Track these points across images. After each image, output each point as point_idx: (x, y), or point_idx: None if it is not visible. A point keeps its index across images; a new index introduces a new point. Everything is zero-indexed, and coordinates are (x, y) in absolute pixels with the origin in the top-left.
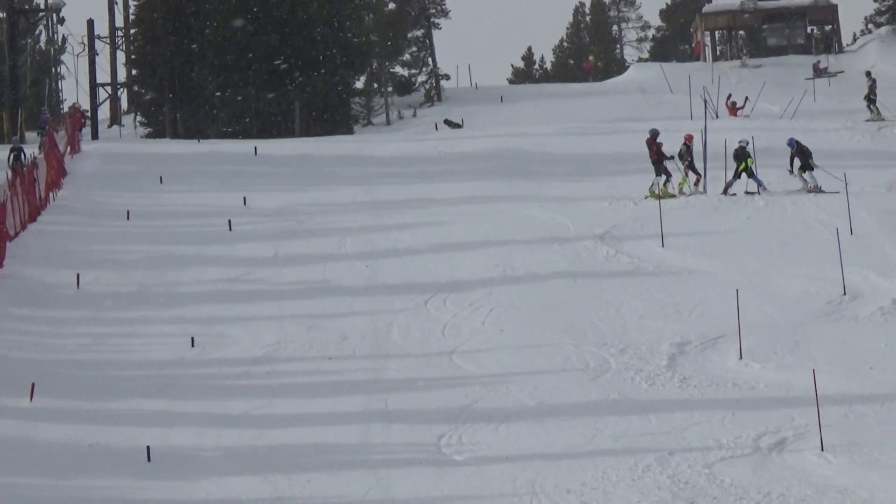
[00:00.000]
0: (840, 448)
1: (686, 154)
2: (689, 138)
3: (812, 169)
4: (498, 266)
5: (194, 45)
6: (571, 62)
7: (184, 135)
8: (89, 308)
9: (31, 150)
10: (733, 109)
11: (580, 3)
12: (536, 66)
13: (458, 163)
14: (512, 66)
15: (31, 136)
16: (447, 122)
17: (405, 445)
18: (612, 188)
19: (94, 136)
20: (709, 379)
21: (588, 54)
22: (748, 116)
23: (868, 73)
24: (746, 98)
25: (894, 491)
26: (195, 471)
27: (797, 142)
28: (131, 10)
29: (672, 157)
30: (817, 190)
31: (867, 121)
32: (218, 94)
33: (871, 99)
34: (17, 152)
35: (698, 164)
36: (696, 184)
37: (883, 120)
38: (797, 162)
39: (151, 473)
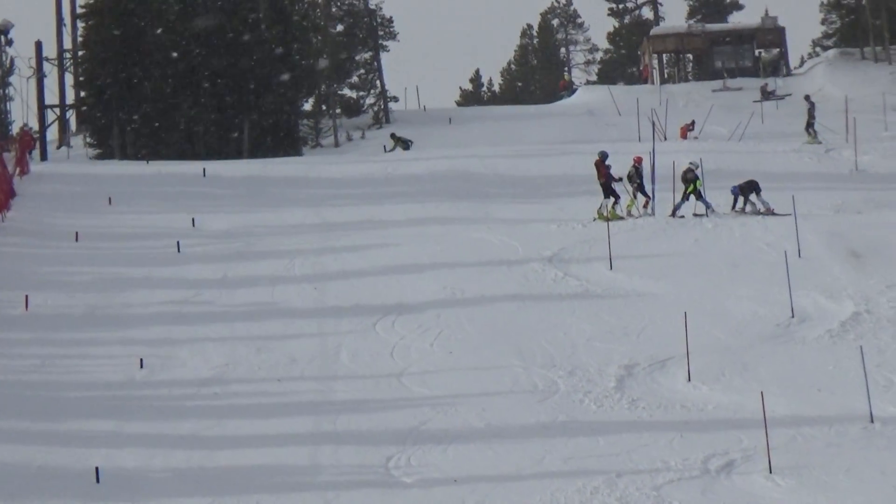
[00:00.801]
0: (788, 470)
1: (635, 176)
2: (637, 160)
3: (759, 194)
4: (446, 288)
5: (137, 68)
6: (519, 84)
7: (132, 156)
8: (38, 329)
9: None
10: (684, 131)
11: (528, 25)
12: (484, 89)
13: (407, 184)
14: (460, 88)
15: None
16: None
17: (354, 467)
18: (561, 210)
19: (43, 157)
20: (657, 401)
21: (532, 76)
22: (697, 138)
23: (807, 97)
24: (693, 121)
25: None
26: (144, 492)
27: (739, 187)
28: (79, 33)
29: (620, 179)
30: (770, 213)
31: (805, 143)
32: (166, 115)
33: (809, 123)
34: None
35: (647, 186)
36: (645, 206)
37: (819, 143)
38: (740, 197)
39: (100, 495)
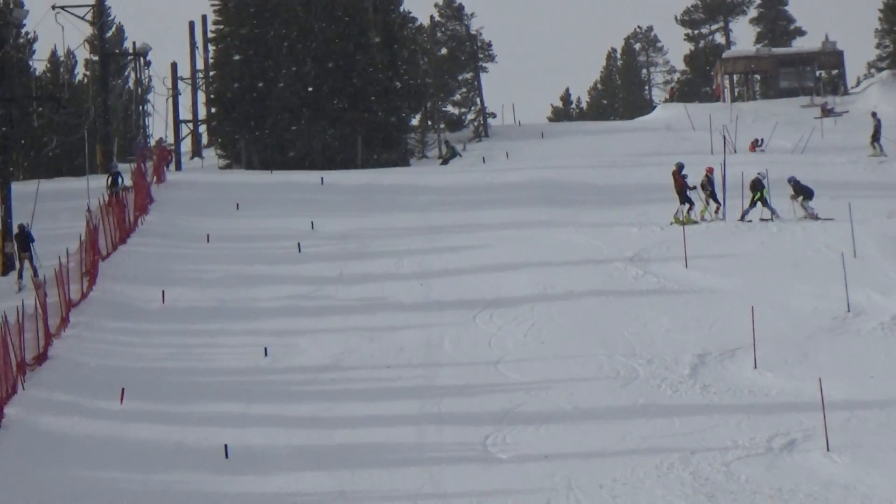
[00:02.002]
0: (844, 449)
1: (707, 185)
2: (709, 171)
3: (811, 199)
4: (538, 285)
5: (260, 84)
6: (605, 102)
7: (257, 166)
8: (173, 321)
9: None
10: (753, 146)
11: (612, 48)
12: (573, 106)
13: (503, 192)
14: (551, 105)
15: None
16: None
17: (455, 445)
18: (641, 215)
19: (178, 167)
20: (726, 386)
21: (616, 95)
22: (763, 151)
23: (874, 114)
24: (762, 138)
25: (891, 488)
26: (269, 467)
27: (796, 179)
28: (210, 55)
29: (695, 188)
30: (815, 217)
31: (870, 156)
32: (287, 129)
33: (875, 137)
34: (114, 176)
35: (718, 194)
36: (716, 211)
37: (885, 156)
38: (798, 199)
39: (229, 469)
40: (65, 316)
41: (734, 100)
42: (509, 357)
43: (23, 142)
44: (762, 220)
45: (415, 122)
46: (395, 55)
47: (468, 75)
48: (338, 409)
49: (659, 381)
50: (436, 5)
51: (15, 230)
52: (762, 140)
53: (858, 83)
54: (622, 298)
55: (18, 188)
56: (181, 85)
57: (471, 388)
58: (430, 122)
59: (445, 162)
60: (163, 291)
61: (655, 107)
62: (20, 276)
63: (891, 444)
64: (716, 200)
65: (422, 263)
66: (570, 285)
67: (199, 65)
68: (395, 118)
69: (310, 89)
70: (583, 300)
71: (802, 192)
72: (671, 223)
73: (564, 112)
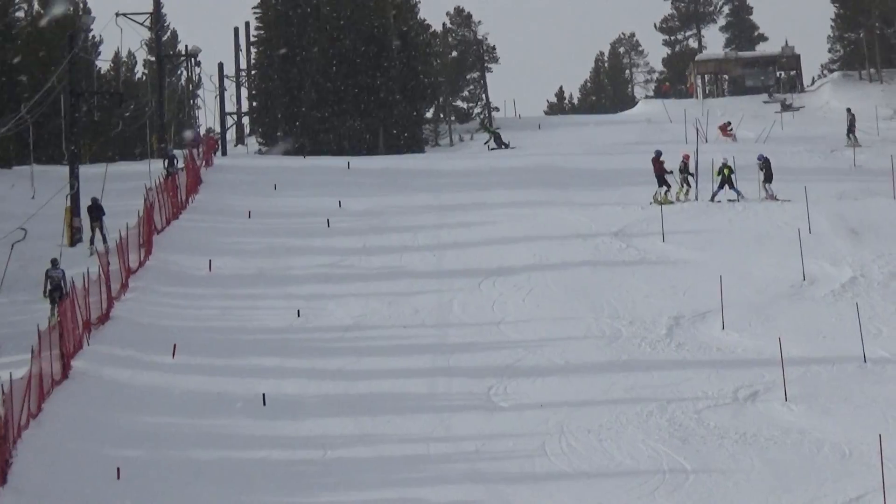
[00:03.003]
0: (800, 399)
1: (683, 169)
2: (686, 157)
3: (770, 182)
4: (536, 256)
5: (296, 82)
6: (593, 98)
7: (292, 153)
8: (218, 287)
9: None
10: (724, 129)
11: (600, 52)
12: (566, 101)
13: (506, 175)
14: (547, 100)
15: (176, 152)
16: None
17: (462, 394)
18: (625, 196)
19: (224, 153)
20: (698, 345)
21: (603, 91)
22: (732, 131)
23: (848, 110)
24: (729, 122)
25: (841, 433)
26: (301, 413)
27: (767, 158)
28: (253, 56)
29: (671, 172)
30: (775, 198)
31: (846, 146)
32: (323, 120)
33: (850, 130)
34: (171, 158)
35: (691, 178)
36: (686, 194)
37: (860, 146)
38: (761, 175)
39: (267, 415)
40: (125, 282)
41: (706, 96)
42: (510, 319)
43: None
44: (729, 200)
45: (429, 115)
46: (413, 57)
47: (475, 75)
48: (360, 364)
49: (639, 340)
50: (447, 14)
51: (88, 203)
52: (730, 123)
53: (813, 82)
54: (608, 268)
55: (86, 170)
56: (227, 82)
57: (476, 345)
58: (441, 115)
59: (498, 144)
60: (210, 261)
61: (637, 102)
62: (92, 242)
63: (840, 395)
64: (689, 184)
65: (434, 237)
66: (562, 257)
67: (243, 64)
68: (412, 111)
69: (339, 87)
70: (574, 270)
71: (768, 170)
72: (650, 203)
73: (559, 106)
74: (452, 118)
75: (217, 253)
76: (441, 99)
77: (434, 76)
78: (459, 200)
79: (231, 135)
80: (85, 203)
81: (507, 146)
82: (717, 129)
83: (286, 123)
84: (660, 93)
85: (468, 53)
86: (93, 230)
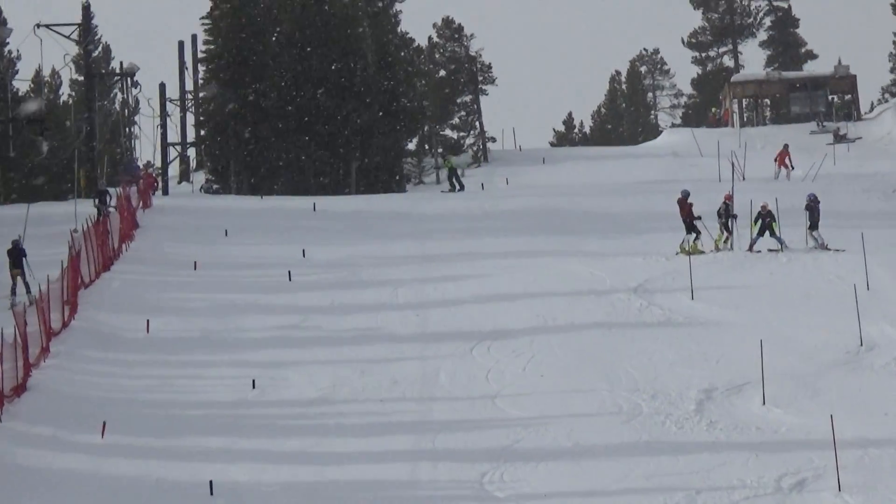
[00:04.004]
0: (856, 489)
1: (723, 212)
2: (728, 198)
3: (817, 228)
4: (539, 316)
5: (253, 108)
6: (608, 126)
7: (247, 191)
8: (158, 352)
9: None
10: (784, 158)
11: (617, 71)
12: (576, 130)
13: (503, 219)
14: (553, 129)
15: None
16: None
17: (451, 482)
18: (646, 244)
19: (165, 192)
20: (734, 423)
21: (620, 119)
22: (789, 166)
23: None
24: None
25: None
26: None
27: (816, 198)
28: (200, 76)
29: (699, 217)
30: (825, 248)
31: None
32: (280, 153)
33: None
34: (102, 195)
35: (729, 223)
36: (726, 241)
37: None
38: (810, 219)
39: None
40: (45, 345)
41: (743, 125)
42: (507, 391)
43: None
44: (770, 250)
45: (411, 146)
46: (393, 78)
47: (467, 98)
48: (328, 445)
49: (663, 417)
50: (434, 26)
51: (8, 246)
52: (787, 145)
53: (872, 108)
54: (625, 331)
55: (3, 212)
56: (170, 107)
57: (467, 423)
58: (427, 147)
59: (453, 188)
60: (147, 321)
61: (661, 132)
62: (13, 292)
63: None
64: (728, 230)
65: (417, 293)
66: (571, 317)
67: (189, 86)
68: (391, 142)
69: (304, 112)
70: (584, 332)
71: (815, 212)
72: (677, 253)
73: (567, 137)
74: (440, 150)
75: (156, 311)
76: (426, 128)
77: (418, 100)
78: (448, 249)
79: (174, 169)
80: (2, 247)
81: (460, 188)
82: (776, 156)
83: (240, 156)
84: (712, 122)
85: (459, 73)
86: (13, 278)
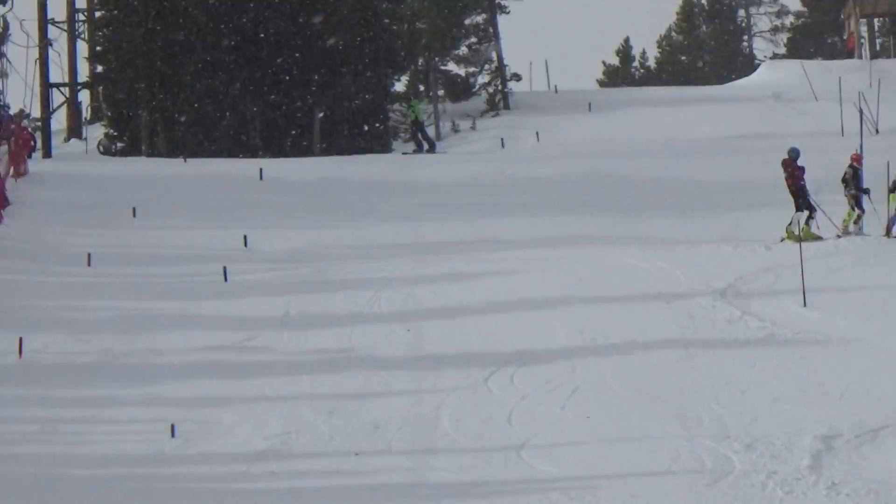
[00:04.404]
0: None
1: (852, 180)
2: (856, 159)
3: None
4: (583, 331)
5: (174, 33)
6: (683, 59)
7: (165, 152)
8: (35, 384)
9: None
10: None
11: None
12: (636, 64)
13: (531, 191)
14: (603, 63)
15: None
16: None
17: None
18: (738, 227)
19: (47, 153)
20: (866, 485)
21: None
22: None
23: None
24: None
25: None
26: None
27: None
28: None
29: (806, 191)
30: None
31: None
32: (211, 97)
33: None
34: None
35: (863, 196)
36: (856, 221)
37: None
38: None
39: None
40: None
41: (874, 56)
42: (539, 440)
43: None
44: None
45: (399, 87)
46: None
47: (479, 19)
48: None
49: (764, 476)
50: None
51: None
52: None
53: None
54: (709, 351)
55: None
56: (52, 32)
57: (482, 486)
58: (422, 88)
59: (419, 147)
60: (20, 339)
61: (758, 65)
62: None
63: None
64: (859, 205)
65: (409, 298)
66: (629, 332)
67: (81, 2)
68: (370, 82)
69: (246, 38)
70: (649, 354)
71: None
72: (783, 239)
73: (622, 73)
74: (441, 93)
75: (33, 326)
76: (421, 60)
77: (409, 21)
78: (452, 234)
79: (59, 122)
80: None
81: (429, 149)
82: None
83: (155, 102)
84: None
85: None
86: None
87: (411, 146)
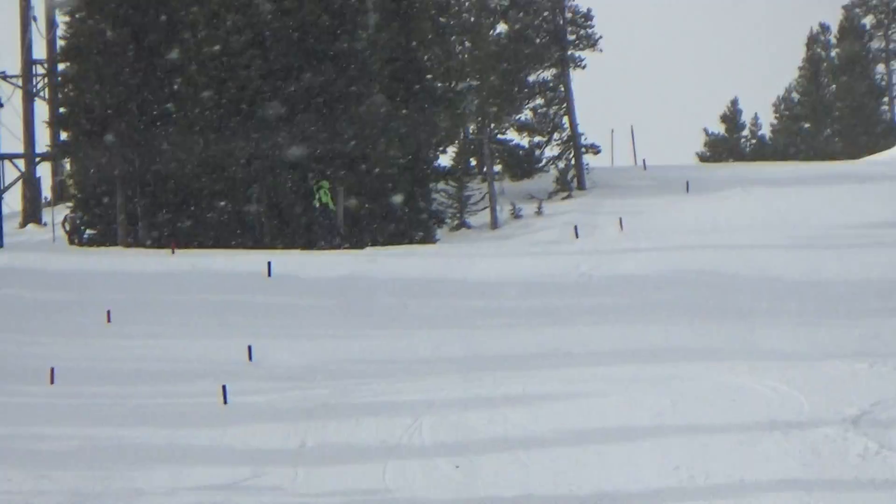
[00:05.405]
0: None
1: None
2: None
3: None
4: (679, 468)
5: (157, 88)
6: (805, 126)
7: (147, 241)
8: None
9: None
10: None
11: (820, 26)
12: (746, 133)
13: (613, 293)
14: (705, 131)
15: None
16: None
17: None
18: (876, 339)
19: None
20: None
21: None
22: None
23: None
24: None
25: None
26: None
27: None
28: (60, 31)
29: None
30: None
31: None
32: (207, 169)
33: None
34: None
35: None
36: None
37: None
38: None
39: None
40: None
41: None
42: None
43: None
44: None
45: (445, 160)
46: (406, 34)
47: (548, 74)
48: None
49: None
50: None
51: None
52: None
53: None
54: (838, 496)
55: None
56: (5, 88)
57: None
58: (474, 162)
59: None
60: None
61: None
62: None
63: None
64: None
65: (457, 427)
66: (738, 471)
67: (40, 52)
68: (405, 152)
69: (247, 94)
70: (762, 499)
71: None
72: None
73: (729, 143)
74: (497, 168)
75: None
76: (472, 127)
77: (456, 77)
78: (511, 346)
79: (12, 203)
80: None
81: (338, 239)
82: None
83: (134, 175)
84: None
85: (532, 28)
86: None
87: (493, 234)
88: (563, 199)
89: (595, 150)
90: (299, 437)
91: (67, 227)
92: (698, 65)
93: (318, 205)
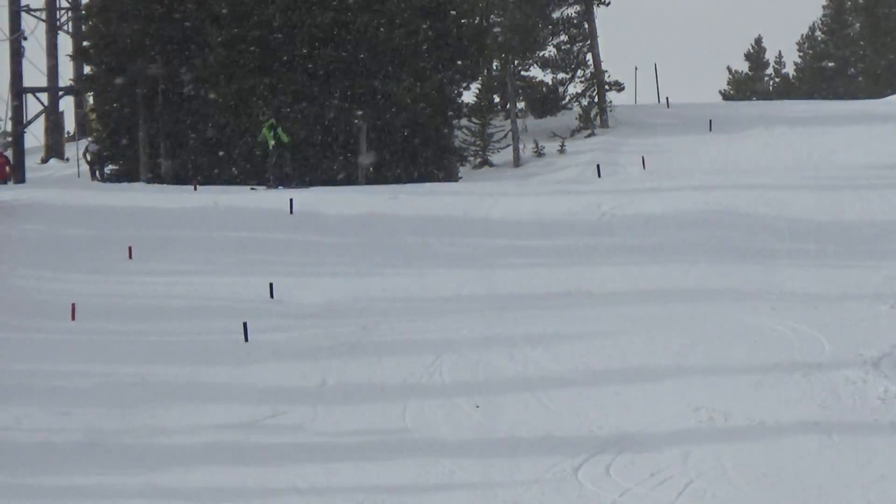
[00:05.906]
0: None
1: None
2: None
3: None
4: (699, 409)
5: (182, 24)
6: (829, 65)
7: (170, 177)
8: (3, 469)
9: None
10: None
11: None
12: (770, 72)
13: (634, 233)
14: (728, 69)
15: None
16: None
17: None
18: None
19: (19, 177)
20: None
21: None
22: None
23: None
24: None
25: None
26: None
27: None
28: None
29: None
30: None
31: None
32: (230, 105)
33: None
34: None
35: None
36: None
37: None
38: None
39: None
40: None
41: None
42: None
43: None
44: None
45: (468, 97)
46: None
47: (572, 10)
48: None
49: None
50: None
51: None
52: None
53: None
54: (859, 437)
55: None
56: (28, 21)
57: None
58: (497, 99)
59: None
60: None
61: None
62: None
63: None
64: None
65: (477, 366)
66: (757, 412)
67: None
68: (430, 91)
69: (275, 37)
70: (784, 440)
71: None
72: None
73: (752, 82)
74: (520, 106)
75: (1, 396)
76: (496, 65)
77: (481, 14)
78: (533, 285)
79: (35, 137)
80: None
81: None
82: None
83: (157, 112)
84: None
85: None
86: None
87: (516, 171)
88: (587, 137)
89: (619, 86)
90: (319, 376)
91: (88, 158)
92: (723, 2)
93: (272, 145)
